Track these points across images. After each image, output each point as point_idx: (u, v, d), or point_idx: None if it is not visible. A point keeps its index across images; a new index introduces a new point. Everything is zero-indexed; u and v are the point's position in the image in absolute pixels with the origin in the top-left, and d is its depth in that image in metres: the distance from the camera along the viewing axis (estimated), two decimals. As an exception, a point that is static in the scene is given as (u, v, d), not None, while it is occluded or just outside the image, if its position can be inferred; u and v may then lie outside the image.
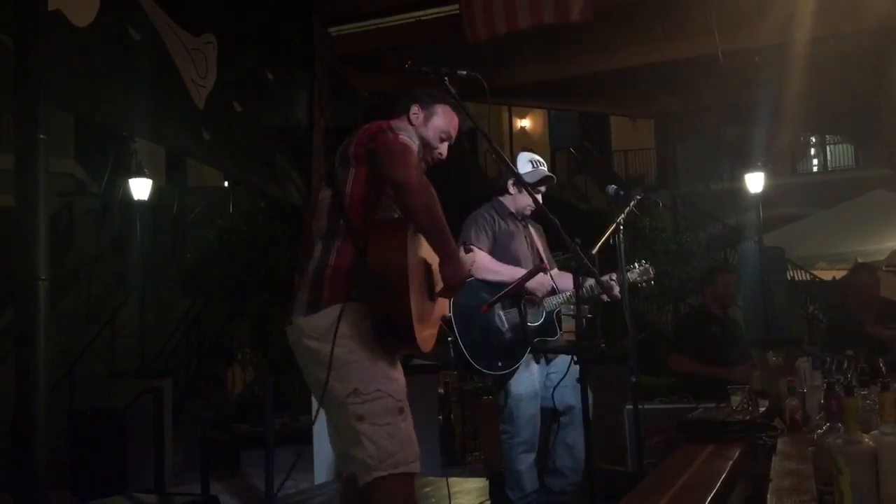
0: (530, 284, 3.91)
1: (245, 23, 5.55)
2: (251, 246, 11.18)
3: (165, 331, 12.71)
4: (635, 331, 4.02)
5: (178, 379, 10.91)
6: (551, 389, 3.99)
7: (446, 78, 2.77)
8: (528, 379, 4.00)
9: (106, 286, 14.14)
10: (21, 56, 3.64)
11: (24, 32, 3.67)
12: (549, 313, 4.06)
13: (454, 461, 8.61)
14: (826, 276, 12.03)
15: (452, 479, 6.81)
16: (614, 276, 3.94)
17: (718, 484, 2.38)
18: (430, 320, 2.62)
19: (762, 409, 3.41)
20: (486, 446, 8.01)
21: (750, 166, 11.95)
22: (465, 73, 2.79)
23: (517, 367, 3.96)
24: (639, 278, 4.22)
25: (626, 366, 3.85)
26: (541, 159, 4.28)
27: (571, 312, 3.97)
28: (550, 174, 4.22)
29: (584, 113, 18.51)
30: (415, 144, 2.57)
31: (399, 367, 2.57)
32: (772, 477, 2.22)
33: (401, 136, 2.54)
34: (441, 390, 8.98)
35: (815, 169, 19.73)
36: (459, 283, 2.52)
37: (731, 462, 2.68)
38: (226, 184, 17.32)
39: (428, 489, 6.25)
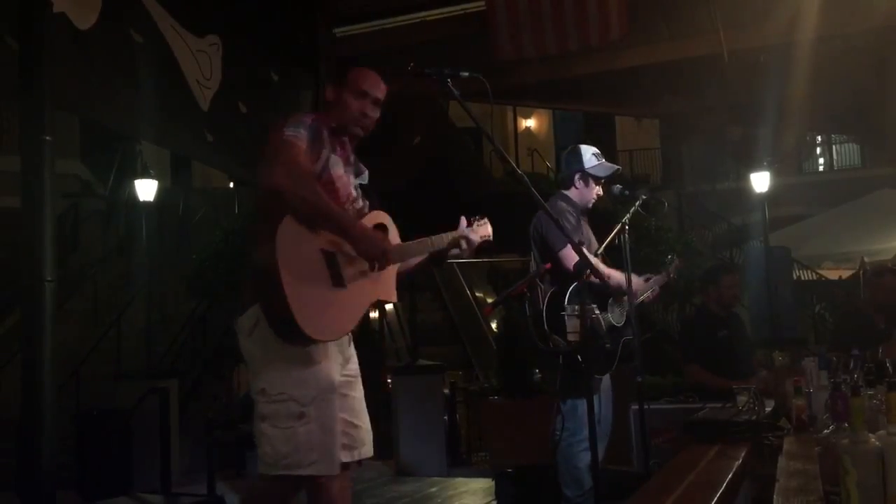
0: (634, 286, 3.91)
1: (249, 24, 5.56)
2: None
3: (171, 331, 12.72)
4: (640, 331, 4.02)
5: (184, 379, 10.90)
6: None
7: (449, 79, 2.77)
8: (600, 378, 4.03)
9: (111, 287, 14.16)
10: (26, 58, 3.65)
11: (29, 35, 3.69)
12: (627, 313, 4.05)
13: (460, 461, 8.60)
14: (832, 275, 11.98)
15: (458, 480, 6.82)
16: (668, 264, 4.21)
17: (725, 484, 2.37)
18: (341, 305, 2.58)
19: (768, 409, 3.40)
20: (491, 447, 8.00)
21: (755, 166, 11.92)
22: (467, 73, 2.79)
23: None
24: (674, 273, 4.38)
25: (632, 366, 3.84)
26: (599, 151, 4.31)
27: (576, 312, 3.95)
28: (618, 167, 4.28)
29: (588, 113, 18.49)
30: (301, 134, 2.58)
31: (322, 367, 2.56)
32: (778, 477, 2.21)
33: (285, 133, 2.58)
34: (447, 391, 8.98)
35: (821, 168, 19.67)
36: (378, 255, 2.59)
37: (737, 462, 2.67)
38: (231, 185, 17.34)
39: (434, 489, 6.25)
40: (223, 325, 12.84)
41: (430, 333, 12.84)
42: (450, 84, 2.77)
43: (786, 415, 3.20)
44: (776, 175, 12.55)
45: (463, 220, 2.99)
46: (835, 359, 3.23)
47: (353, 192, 2.81)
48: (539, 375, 5.52)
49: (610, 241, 4.06)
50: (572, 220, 4.09)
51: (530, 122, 21.63)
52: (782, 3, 5.77)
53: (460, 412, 9.12)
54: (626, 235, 3.82)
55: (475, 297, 14.51)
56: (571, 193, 4.24)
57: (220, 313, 12.69)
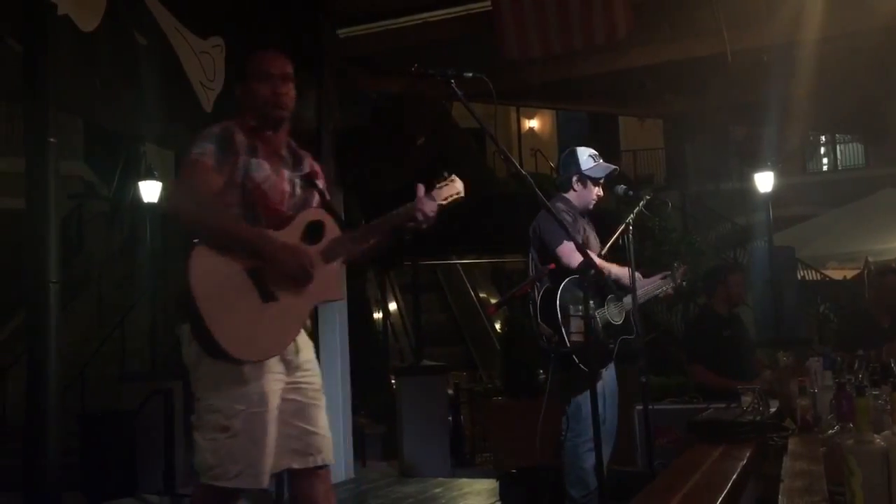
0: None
1: (253, 25, 5.57)
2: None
3: (175, 333, 12.72)
4: (645, 331, 4.02)
5: (188, 381, 10.93)
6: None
7: (453, 80, 2.77)
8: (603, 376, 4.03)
9: (116, 288, 14.18)
10: (30, 60, 3.66)
11: (33, 37, 3.69)
12: (628, 312, 4.05)
13: (464, 462, 8.60)
14: (837, 275, 11.97)
15: (462, 480, 6.82)
16: (674, 271, 4.22)
17: (729, 485, 2.37)
18: (274, 320, 2.55)
19: (773, 410, 3.39)
20: (495, 447, 8.00)
21: (759, 166, 11.90)
22: (471, 74, 2.78)
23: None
24: (680, 279, 4.34)
25: (636, 366, 3.84)
26: (597, 153, 4.30)
27: (580, 312, 3.95)
28: (615, 167, 4.26)
29: (592, 113, 18.48)
30: (207, 150, 2.54)
31: (253, 382, 2.52)
32: (783, 477, 2.20)
33: (192, 153, 2.55)
34: (451, 391, 8.98)
35: (825, 168, 19.64)
36: (296, 270, 2.52)
37: (742, 463, 2.66)
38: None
39: (438, 490, 6.25)
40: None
41: (434, 334, 12.85)
42: (453, 85, 2.76)
43: (790, 415, 3.20)
44: (780, 175, 12.53)
45: (420, 188, 2.79)
46: (839, 359, 3.22)
47: (288, 188, 2.71)
48: (543, 376, 5.51)
49: (614, 242, 4.07)
50: (569, 220, 4.09)
51: (534, 123, 21.62)
52: (786, 3, 5.77)
53: (464, 413, 9.12)
54: (630, 236, 3.82)
55: (479, 298, 14.51)
56: (570, 196, 4.24)
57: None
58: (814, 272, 12.16)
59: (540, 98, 8.85)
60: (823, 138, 19.00)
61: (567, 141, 21.37)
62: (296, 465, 2.64)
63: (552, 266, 4.03)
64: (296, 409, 2.66)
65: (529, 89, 7.31)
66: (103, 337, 11.76)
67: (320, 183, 2.84)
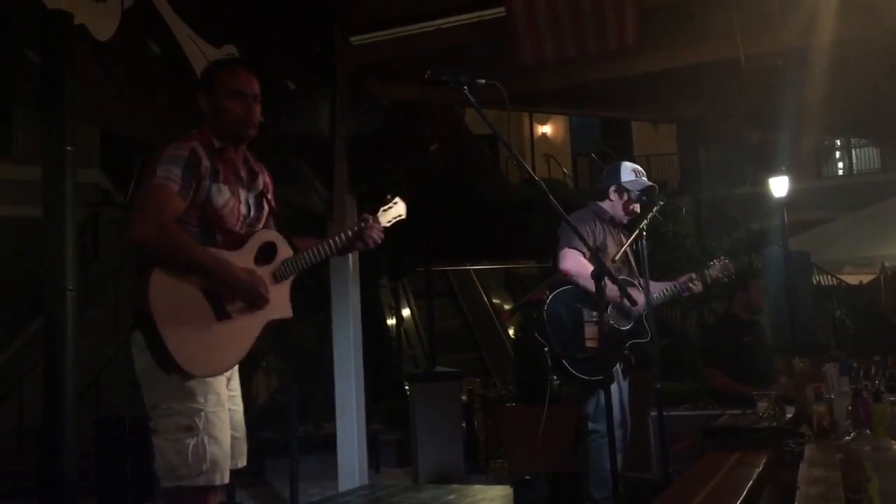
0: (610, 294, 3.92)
1: (267, 34, 5.60)
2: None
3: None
4: (659, 336, 4.01)
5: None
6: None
7: (466, 87, 2.78)
8: (617, 380, 4.06)
9: (131, 296, 14.25)
10: (48, 69, 3.69)
11: (51, 46, 3.72)
12: (640, 316, 4.08)
13: (478, 468, 8.58)
14: (853, 280, 11.88)
15: (477, 487, 6.81)
16: (694, 276, 4.24)
17: (745, 491, 2.35)
18: (226, 338, 2.64)
19: (789, 416, 3.37)
20: (509, 453, 7.98)
21: (774, 170, 11.83)
22: (484, 81, 2.79)
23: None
24: (720, 273, 4.38)
25: (651, 372, 3.83)
26: (642, 170, 4.36)
27: (594, 319, 3.95)
28: (654, 184, 4.28)
29: (605, 118, 18.46)
30: (173, 174, 2.56)
31: (208, 382, 2.61)
32: (799, 484, 2.19)
33: (157, 174, 2.57)
34: (464, 398, 8.96)
35: (840, 172, 19.51)
36: (253, 296, 2.65)
37: (757, 469, 2.65)
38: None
39: (452, 496, 6.24)
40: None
41: (448, 340, 12.84)
42: (466, 91, 2.77)
43: (807, 421, 3.18)
44: (795, 179, 12.46)
45: (365, 217, 2.97)
46: (856, 364, 3.21)
47: (244, 210, 2.78)
48: (557, 381, 5.52)
49: (627, 248, 4.07)
50: (593, 226, 4.14)
51: (546, 128, 21.60)
52: (800, 7, 5.75)
53: (478, 419, 9.10)
54: (644, 241, 3.82)
55: (492, 304, 14.50)
56: (605, 205, 4.33)
57: (238, 321, 12.76)
58: (829, 277, 12.08)
59: (553, 104, 8.85)
60: (839, 142, 18.88)
61: (580, 146, 21.37)
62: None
63: (566, 273, 4.04)
64: (231, 417, 2.76)
65: (542, 95, 7.31)
66: (119, 343, 11.82)
67: (270, 196, 2.94)
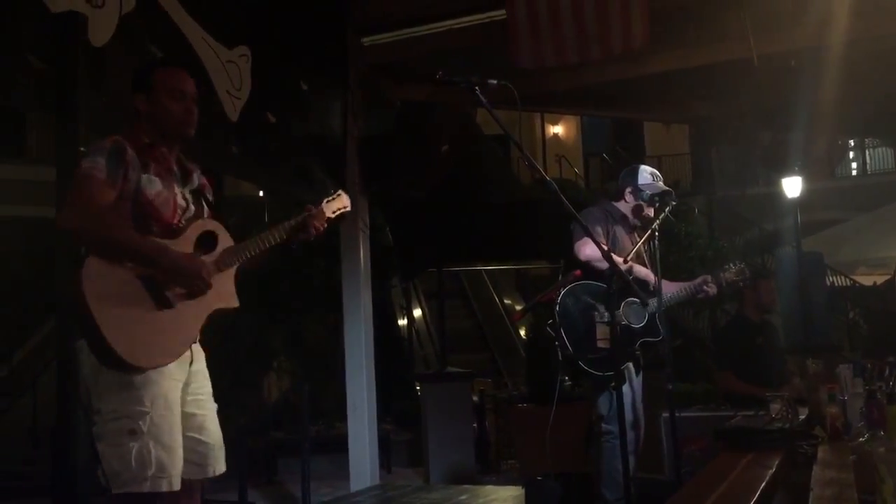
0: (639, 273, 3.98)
1: (278, 34, 5.61)
2: (287, 254, 11.30)
3: (202, 339, 12.83)
4: (671, 337, 4.00)
5: (215, 387, 11.01)
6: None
7: (477, 87, 2.77)
8: (629, 380, 4.07)
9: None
10: (62, 71, 3.70)
11: (64, 48, 3.73)
12: (652, 315, 4.07)
13: (489, 469, 8.58)
14: (867, 281, 11.81)
15: (488, 487, 6.80)
16: (709, 278, 4.24)
17: (758, 493, 2.34)
18: (169, 327, 2.56)
19: (802, 417, 3.36)
20: (520, 454, 7.97)
21: (787, 170, 11.78)
22: (495, 82, 2.79)
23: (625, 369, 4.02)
24: (735, 277, 4.36)
25: (663, 373, 3.83)
26: (659, 174, 4.40)
27: (606, 319, 3.95)
28: (669, 189, 4.29)
29: (617, 119, 18.41)
30: (98, 163, 2.52)
31: (155, 384, 2.52)
32: (812, 486, 2.18)
33: (82, 165, 2.54)
34: (475, 398, 8.97)
35: (854, 172, 19.40)
36: (193, 280, 2.56)
37: (770, 471, 2.64)
38: (261, 193, 17.47)
39: (464, 496, 6.24)
40: (253, 333, 12.96)
41: (459, 341, 12.84)
42: (478, 92, 2.77)
43: (820, 423, 3.16)
44: (808, 180, 12.40)
45: (308, 207, 2.97)
46: (870, 366, 3.19)
47: (182, 202, 2.72)
48: (569, 382, 5.52)
49: (639, 248, 4.08)
50: (605, 225, 4.16)
51: (558, 129, 21.57)
52: (813, 7, 5.72)
53: (489, 419, 9.11)
54: (657, 242, 3.82)
55: (504, 304, 14.49)
56: (619, 205, 4.36)
57: (249, 321, 12.81)
58: (843, 278, 12.01)
59: (565, 104, 8.84)
60: (852, 143, 18.78)
61: (591, 146, 21.33)
62: (189, 476, 2.63)
63: (578, 272, 4.04)
64: (193, 422, 2.68)
65: (554, 95, 7.30)
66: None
67: (209, 195, 2.89)
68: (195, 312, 2.63)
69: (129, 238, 2.53)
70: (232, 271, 2.76)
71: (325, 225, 2.97)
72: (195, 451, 2.67)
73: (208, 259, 2.67)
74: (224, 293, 2.72)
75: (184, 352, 2.63)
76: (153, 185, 2.63)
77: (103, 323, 2.41)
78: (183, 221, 2.70)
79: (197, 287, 2.59)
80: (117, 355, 2.42)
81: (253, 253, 2.80)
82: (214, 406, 2.81)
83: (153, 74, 2.73)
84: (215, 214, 2.86)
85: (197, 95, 2.76)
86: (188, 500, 2.68)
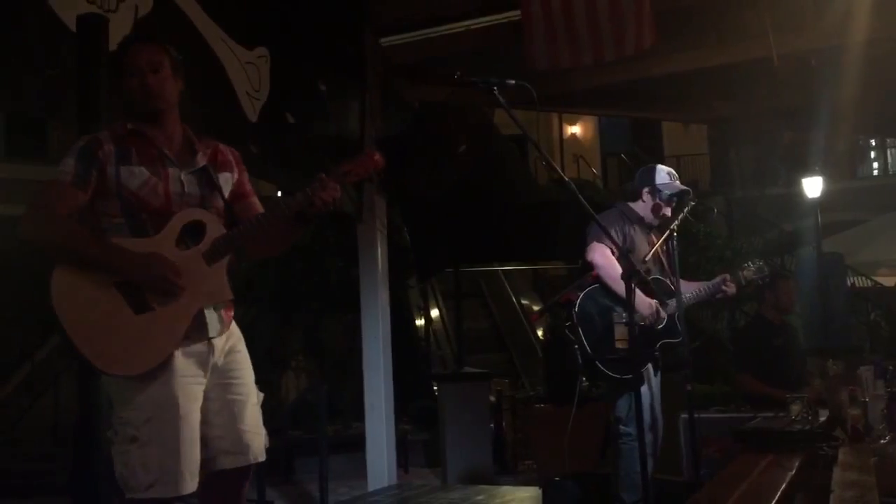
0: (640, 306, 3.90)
1: (297, 35, 5.63)
2: (304, 254, 11.33)
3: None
4: (690, 338, 3.99)
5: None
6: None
7: (495, 87, 2.78)
8: (648, 382, 4.06)
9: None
10: (83, 71, 3.72)
11: (84, 49, 3.76)
12: (672, 315, 4.07)
13: (506, 469, 8.57)
14: (888, 282, 11.73)
15: (505, 488, 6.80)
16: (728, 277, 4.24)
17: (778, 495, 2.33)
18: (152, 330, 2.46)
19: (822, 419, 3.33)
20: (538, 455, 7.96)
21: (807, 170, 11.70)
22: (514, 82, 2.79)
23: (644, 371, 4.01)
24: (755, 275, 4.38)
25: (681, 374, 3.81)
26: (676, 174, 4.37)
27: (624, 320, 3.94)
28: (687, 188, 4.29)
29: (635, 119, 18.35)
30: (68, 166, 2.46)
31: (157, 387, 2.45)
32: (833, 488, 2.17)
33: (55, 172, 2.49)
34: (493, 398, 8.96)
35: (875, 172, 19.26)
36: (154, 280, 2.43)
37: (790, 473, 2.62)
38: (279, 193, 17.56)
39: (481, 497, 6.24)
40: (271, 332, 13.02)
41: (477, 341, 12.84)
42: (496, 92, 2.78)
43: (841, 424, 3.14)
44: (829, 180, 12.31)
45: (320, 176, 2.57)
46: (891, 367, 3.16)
47: (176, 188, 2.56)
48: (586, 383, 5.51)
49: (658, 248, 4.07)
50: (622, 227, 4.15)
51: (576, 129, 21.53)
52: (833, 6, 5.68)
53: (507, 420, 9.10)
54: (675, 242, 3.81)
55: (521, 305, 14.48)
56: (636, 206, 4.34)
57: (267, 321, 12.87)
58: (864, 279, 11.93)
59: (583, 104, 8.82)
60: (873, 142, 18.64)
61: (609, 146, 21.27)
62: (227, 466, 2.58)
63: (595, 274, 4.04)
64: (221, 408, 2.60)
65: (572, 95, 7.28)
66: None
67: (228, 175, 2.74)
68: (180, 313, 2.49)
69: (86, 246, 2.44)
70: (224, 263, 2.59)
71: (337, 193, 2.57)
72: (227, 438, 2.59)
73: (195, 251, 2.53)
74: (214, 287, 2.56)
75: (168, 353, 2.47)
76: (136, 177, 2.51)
77: (74, 332, 2.36)
78: (182, 208, 2.55)
79: (163, 288, 2.45)
80: (92, 365, 2.38)
81: (245, 238, 2.62)
82: (255, 391, 2.71)
83: (118, 59, 2.62)
84: (236, 191, 2.73)
85: (160, 63, 2.56)
86: (227, 492, 2.64)
